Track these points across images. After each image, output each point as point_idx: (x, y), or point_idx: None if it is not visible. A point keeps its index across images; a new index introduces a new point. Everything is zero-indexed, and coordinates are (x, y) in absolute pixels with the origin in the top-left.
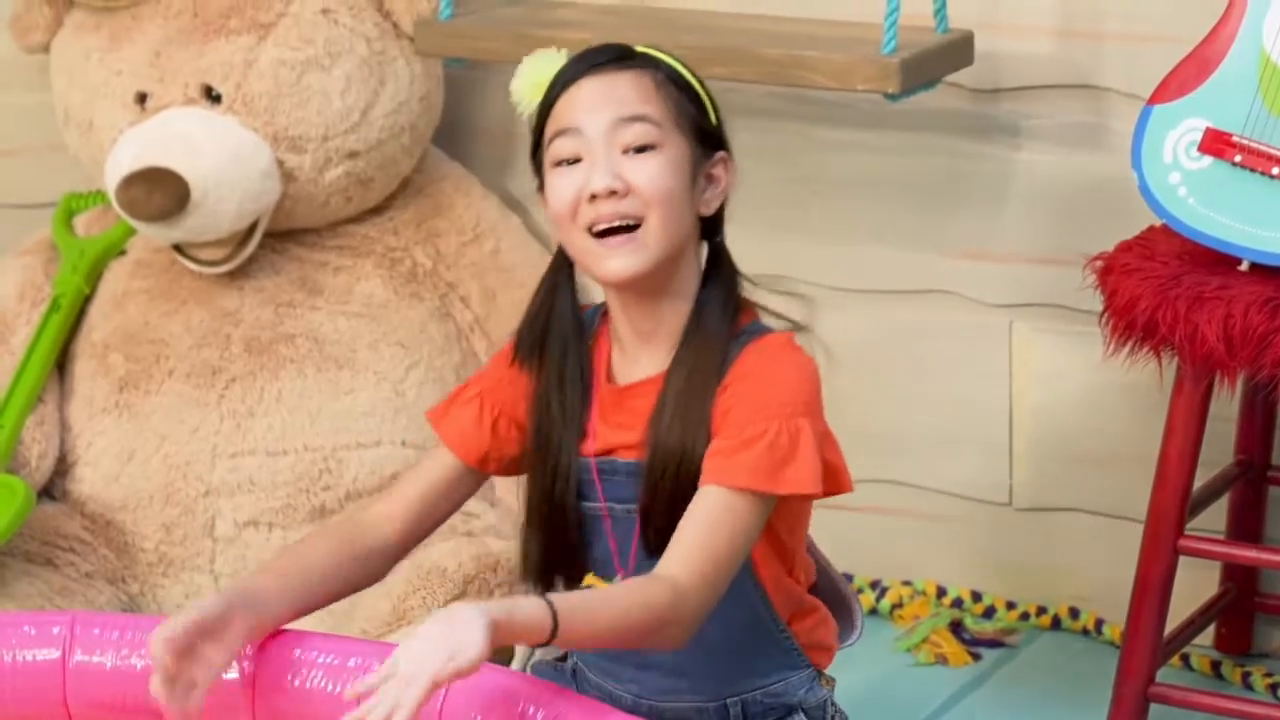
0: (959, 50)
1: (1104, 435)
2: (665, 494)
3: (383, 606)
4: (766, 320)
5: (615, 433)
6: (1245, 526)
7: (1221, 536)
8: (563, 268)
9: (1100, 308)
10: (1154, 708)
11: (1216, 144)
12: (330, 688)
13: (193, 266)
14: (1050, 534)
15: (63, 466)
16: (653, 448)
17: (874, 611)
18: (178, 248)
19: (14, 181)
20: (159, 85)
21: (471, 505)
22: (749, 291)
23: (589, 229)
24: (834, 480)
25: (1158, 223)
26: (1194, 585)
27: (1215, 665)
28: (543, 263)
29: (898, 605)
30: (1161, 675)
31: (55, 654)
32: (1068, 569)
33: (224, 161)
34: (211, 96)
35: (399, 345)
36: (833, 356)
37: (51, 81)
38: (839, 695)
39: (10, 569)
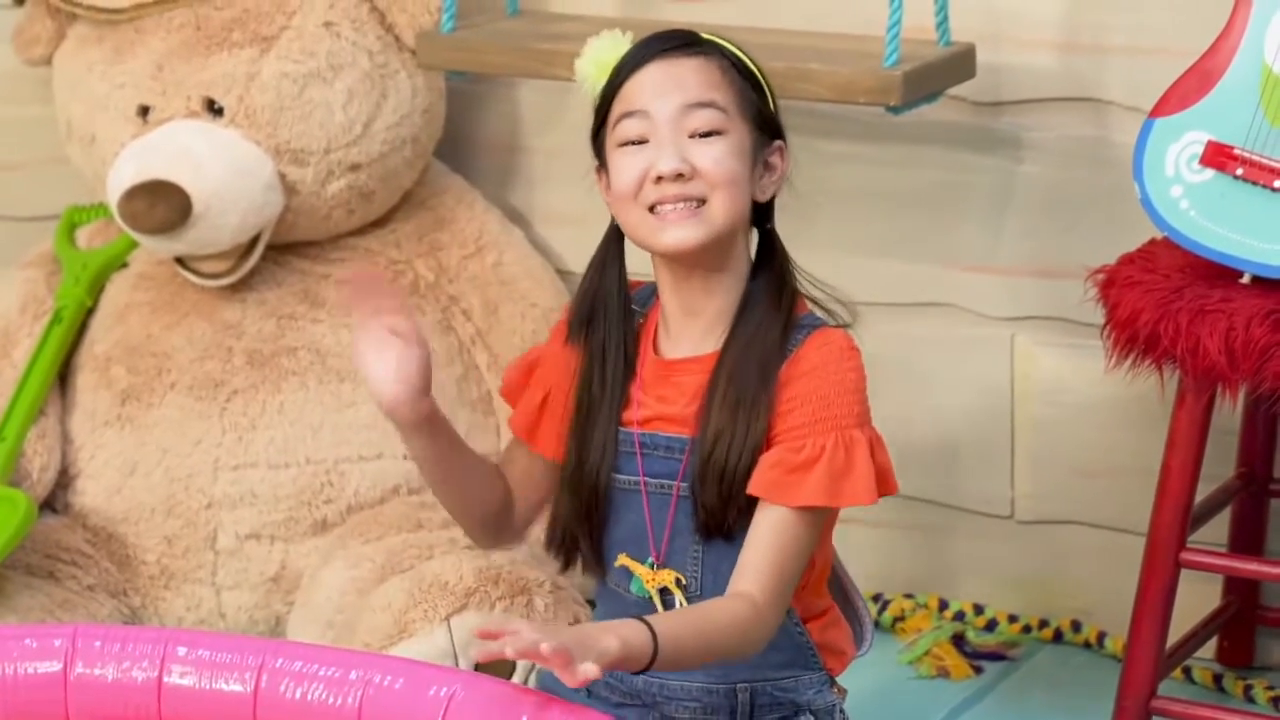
0: (961, 63)
1: (1106, 448)
2: (716, 474)
3: (384, 620)
4: (818, 313)
5: (658, 404)
6: (1247, 539)
7: (1223, 549)
8: (612, 244)
9: (1102, 320)
10: None
11: (1218, 157)
12: (331, 700)
13: (195, 279)
14: (1052, 547)
15: (64, 479)
16: (704, 428)
17: (876, 624)
18: (180, 260)
19: (16, 194)
20: (161, 98)
21: None
22: (799, 279)
23: (650, 208)
24: (884, 483)
25: (1159, 235)
26: (1196, 598)
27: (1217, 678)
28: (545, 275)
29: (900, 618)
30: (1163, 688)
31: (56, 667)
32: (1070, 582)
33: (226, 174)
34: (214, 109)
35: None
36: None
37: (54, 94)
38: None
39: (12, 582)
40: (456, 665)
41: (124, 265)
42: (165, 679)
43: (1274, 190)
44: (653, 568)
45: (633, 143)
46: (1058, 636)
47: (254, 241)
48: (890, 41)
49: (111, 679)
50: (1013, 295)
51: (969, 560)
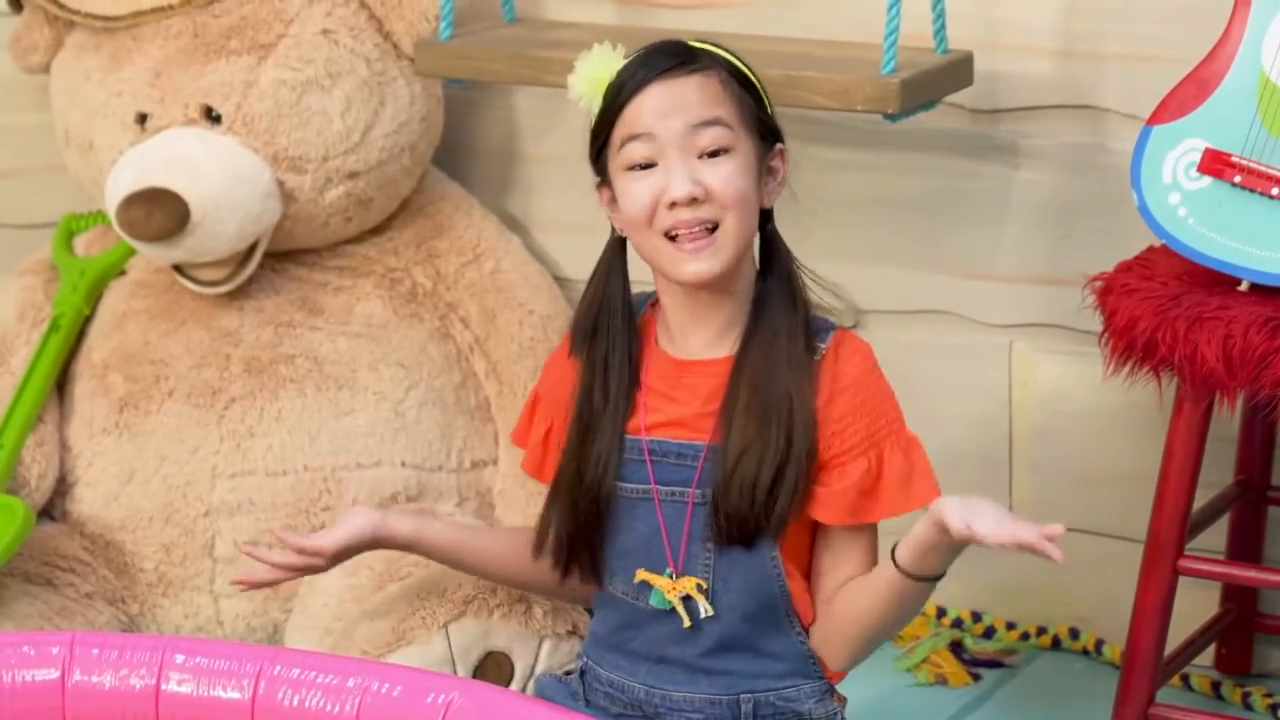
0: (958, 71)
1: (1104, 455)
2: (741, 485)
3: (382, 627)
4: (823, 314)
5: (669, 406)
6: (1245, 547)
7: (1221, 557)
8: (614, 254)
9: (1100, 328)
10: None
11: (1216, 164)
12: (330, 707)
13: (193, 287)
14: None
15: (62, 487)
16: (727, 437)
17: None
18: (178, 268)
19: (14, 202)
20: (159, 106)
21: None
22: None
23: (666, 234)
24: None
25: (1157, 243)
26: (1194, 605)
27: (1215, 686)
28: (543, 283)
29: None
30: (1161, 696)
31: (54, 674)
32: (1068, 589)
33: (224, 182)
34: (212, 117)
35: (399, 366)
36: None
37: (52, 102)
38: None
39: (10, 589)
40: (455, 672)
41: (122, 273)
42: (163, 686)
43: (1272, 198)
44: (672, 577)
45: (640, 166)
46: (1056, 644)
47: (252, 249)
48: (888, 49)
49: (109, 686)
50: (1011, 303)
51: (967, 567)
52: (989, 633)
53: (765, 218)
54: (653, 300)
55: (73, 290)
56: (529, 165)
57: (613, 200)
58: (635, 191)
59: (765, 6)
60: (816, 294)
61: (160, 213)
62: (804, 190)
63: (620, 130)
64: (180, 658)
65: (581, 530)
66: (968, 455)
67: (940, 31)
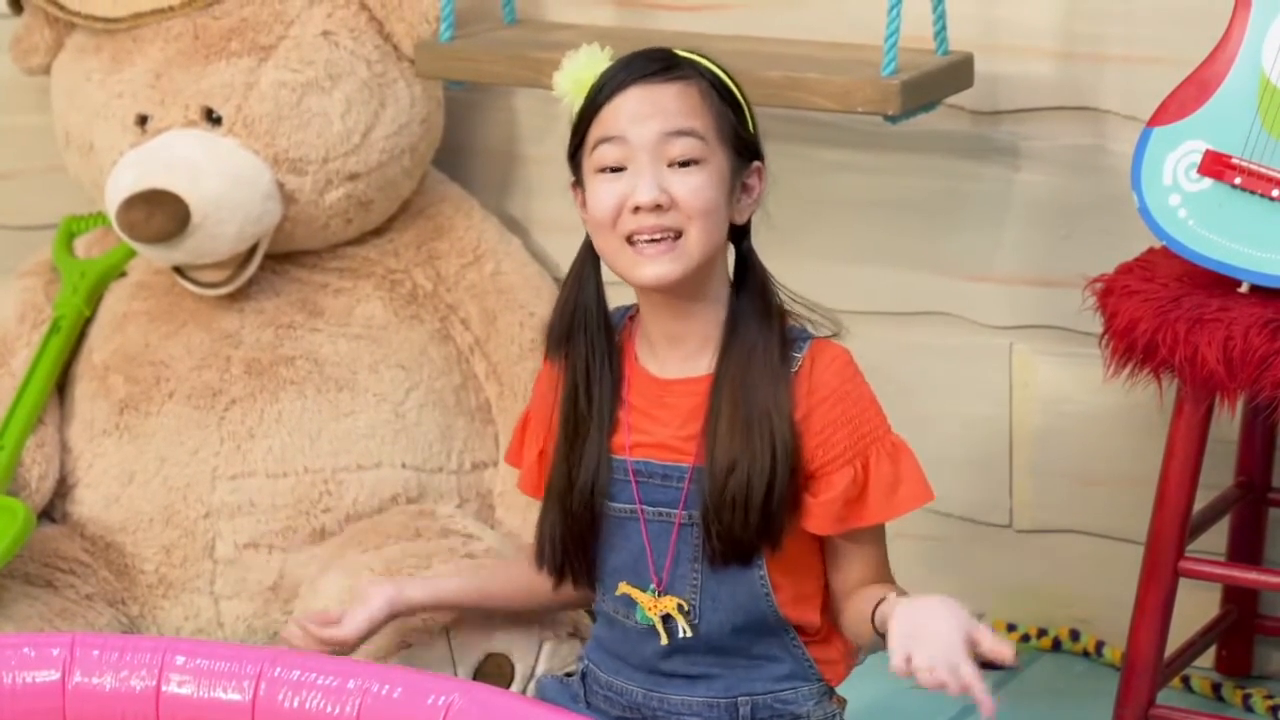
0: (959, 72)
1: (1104, 457)
2: (732, 504)
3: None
4: (802, 324)
5: (651, 426)
6: (1246, 548)
7: (1222, 558)
8: (588, 260)
9: (1100, 329)
10: None
11: (1216, 166)
12: (330, 709)
13: (193, 288)
14: (1051, 556)
15: (63, 488)
16: (712, 456)
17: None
18: (178, 269)
19: (14, 203)
20: (159, 107)
21: (471, 528)
22: (781, 295)
23: (627, 238)
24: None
25: (1158, 244)
26: (1194, 607)
27: (1216, 687)
28: (543, 284)
29: None
30: (1162, 697)
31: (55, 676)
32: (1068, 591)
33: (224, 184)
34: (212, 118)
35: (399, 367)
36: None
37: (52, 103)
38: None
39: (10, 591)
40: (455, 674)
41: (122, 274)
42: (164, 688)
43: (1272, 199)
44: (655, 595)
45: (611, 169)
46: (1056, 645)
47: (252, 250)
48: (888, 51)
49: (110, 688)
50: (1011, 304)
51: (967, 568)
52: None
53: (742, 234)
54: (631, 313)
55: (73, 292)
56: (529, 167)
57: (585, 201)
58: (602, 193)
59: (765, 8)
60: (795, 311)
61: (161, 214)
62: (805, 191)
63: (595, 131)
64: (180, 659)
65: (575, 537)
66: (968, 457)
67: (941, 33)
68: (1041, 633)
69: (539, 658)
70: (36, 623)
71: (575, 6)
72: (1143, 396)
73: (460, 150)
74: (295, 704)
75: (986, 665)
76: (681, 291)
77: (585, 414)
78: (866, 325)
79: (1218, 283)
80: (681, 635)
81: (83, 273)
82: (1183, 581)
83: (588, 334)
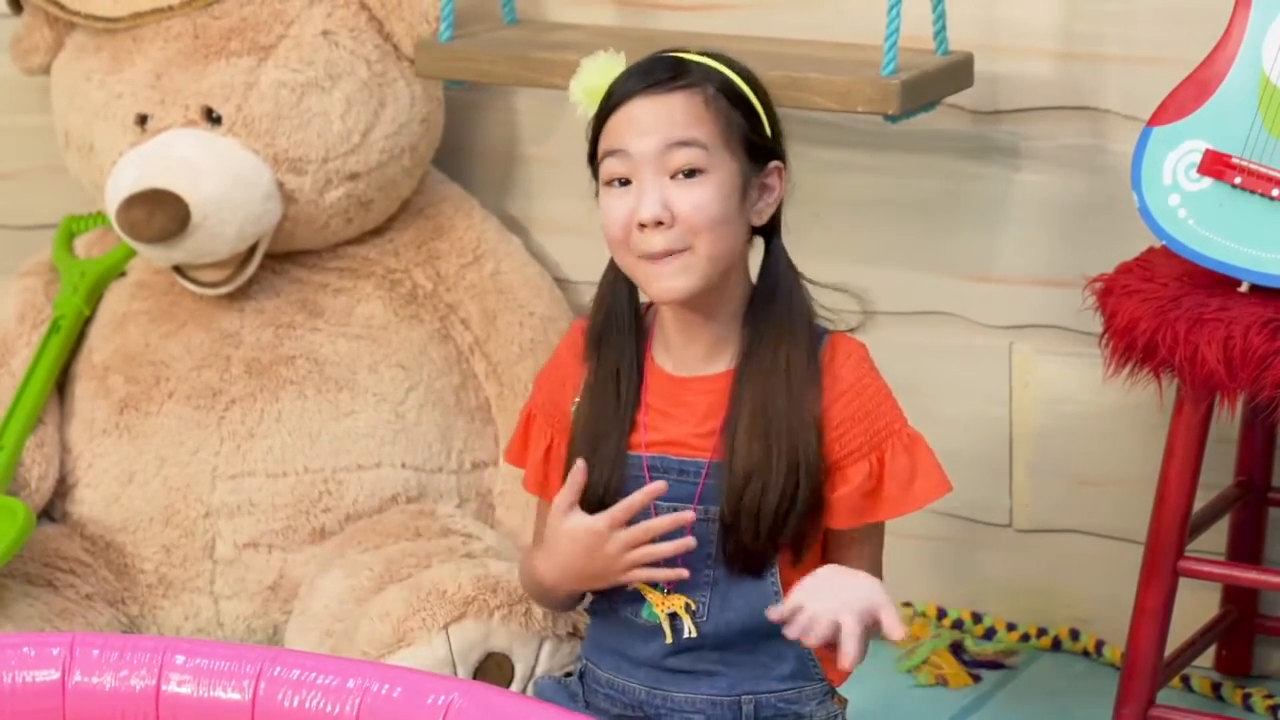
0: (959, 72)
1: (1104, 457)
2: (751, 512)
3: (383, 628)
4: (823, 321)
5: (667, 424)
6: (1245, 548)
7: (1222, 558)
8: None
9: (1100, 329)
10: None
11: (1216, 165)
12: (330, 708)
13: (193, 288)
14: (1051, 555)
15: (63, 488)
16: (732, 459)
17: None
18: (178, 269)
19: (14, 203)
20: (159, 107)
21: (471, 527)
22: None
23: (640, 257)
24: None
25: (1157, 244)
26: (1194, 607)
27: (1216, 687)
28: (543, 284)
29: None
30: (1162, 697)
31: (55, 675)
32: (1068, 590)
33: (224, 183)
34: (212, 118)
35: (399, 367)
36: None
37: (52, 103)
38: None
39: (10, 591)
40: (455, 674)
41: (122, 274)
42: (163, 687)
43: (1272, 199)
44: (664, 592)
45: (618, 181)
46: (1056, 645)
47: (252, 250)
48: (888, 50)
49: (109, 687)
50: (1011, 304)
51: (967, 568)
52: (989, 634)
53: (770, 232)
54: (643, 311)
55: (73, 291)
56: (529, 167)
57: None
58: (612, 209)
59: (766, 8)
60: (822, 300)
61: (161, 214)
62: (804, 192)
63: (603, 143)
64: (180, 659)
65: None
66: (968, 456)
67: (941, 33)
68: (1041, 632)
69: (539, 657)
70: (36, 622)
71: (576, 6)
72: (1143, 396)
73: (460, 150)
74: (295, 703)
75: (987, 665)
76: (699, 300)
77: (609, 415)
78: (867, 325)
79: (1218, 282)
80: (686, 635)
81: (83, 272)
82: (1183, 581)
83: (620, 339)
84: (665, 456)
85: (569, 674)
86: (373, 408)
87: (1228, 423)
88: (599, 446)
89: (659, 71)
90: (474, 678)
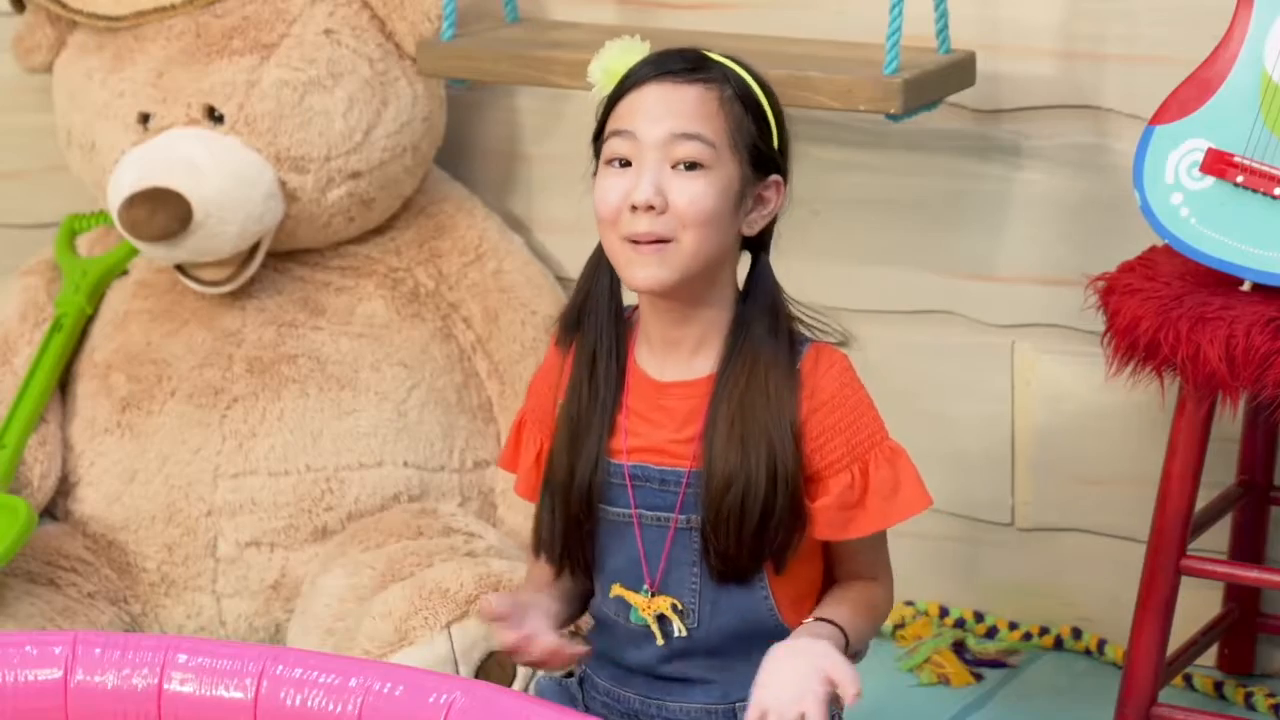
0: (961, 71)
1: (1106, 456)
2: (729, 515)
3: (385, 627)
4: (805, 330)
5: (647, 429)
6: (1248, 547)
7: (1224, 557)
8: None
9: (1102, 328)
10: None
11: (1218, 164)
12: (332, 707)
13: (195, 287)
14: (1053, 554)
15: (65, 487)
16: (710, 466)
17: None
18: (180, 268)
19: (17, 202)
20: (161, 106)
21: (473, 526)
22: (791, 307)
23: (624, 238)
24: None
25: (1159, 243)
26: (1196, 606)
27: (1218, 686)
28: (545, 283)
29: (900, 625)
30: (1164, 696)
31: (57, 674)
32: (1070, 589)
33: (226, 182)
34: (214, 117)
35: (401, 366)
36: None
37: (54, 102)
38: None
39: (12, 589)
40: (457, 672)
41: (124, 273)
42: (166, 686)
43: (1274, 198)
44: (648, 595)
45: (619, 162)
46: (1058, 644)
47: (254, 249)
48: (890, 49)
49: (112, 686)
50: (1013, 303)
51: (969, 567)
52: (991, 633)
53: (760, 245)
54: (630, 313)
55: (75, 290)
56: (531, 165)
57: None
58: (607, 187)
59: (767, 7)
60: (807, 325)
61: (163, 213)
62: (806, 190)
63: (612, 122)
64: (183, 657)
65: (574, 532)
66: (970, 455)
67: (943, 32)
68: (1043, 631)
69: None
70: (39, 621)
71: (577, 5)
72: (1145, 395)
73: (462, 149)
74: (297, 702)
75: (989, 664)
76: (679, 296)
77: (589, 409)
78: (868, 324)
79: (1220, 281)
80: (677, 635)
81: (85, 271)
82: (1185, 580)
83: (598, 324)
84: (646, 466)
85: (569, 675)
86: (375, 406)
87: (1230, 422)
88: (580, 444)
89: (680, 62)
90: (476, 677)
